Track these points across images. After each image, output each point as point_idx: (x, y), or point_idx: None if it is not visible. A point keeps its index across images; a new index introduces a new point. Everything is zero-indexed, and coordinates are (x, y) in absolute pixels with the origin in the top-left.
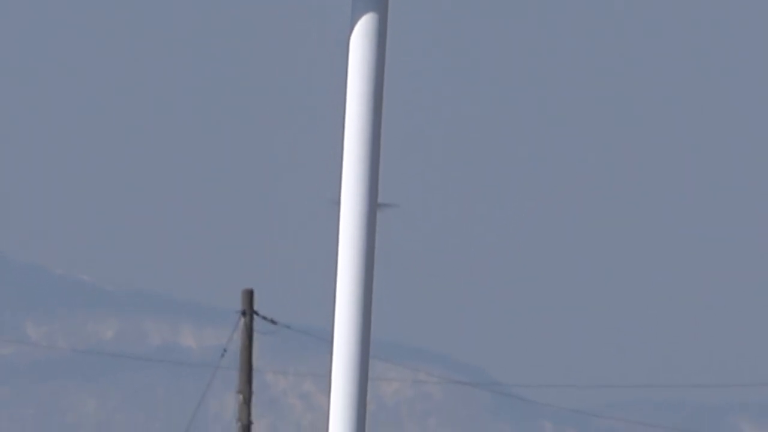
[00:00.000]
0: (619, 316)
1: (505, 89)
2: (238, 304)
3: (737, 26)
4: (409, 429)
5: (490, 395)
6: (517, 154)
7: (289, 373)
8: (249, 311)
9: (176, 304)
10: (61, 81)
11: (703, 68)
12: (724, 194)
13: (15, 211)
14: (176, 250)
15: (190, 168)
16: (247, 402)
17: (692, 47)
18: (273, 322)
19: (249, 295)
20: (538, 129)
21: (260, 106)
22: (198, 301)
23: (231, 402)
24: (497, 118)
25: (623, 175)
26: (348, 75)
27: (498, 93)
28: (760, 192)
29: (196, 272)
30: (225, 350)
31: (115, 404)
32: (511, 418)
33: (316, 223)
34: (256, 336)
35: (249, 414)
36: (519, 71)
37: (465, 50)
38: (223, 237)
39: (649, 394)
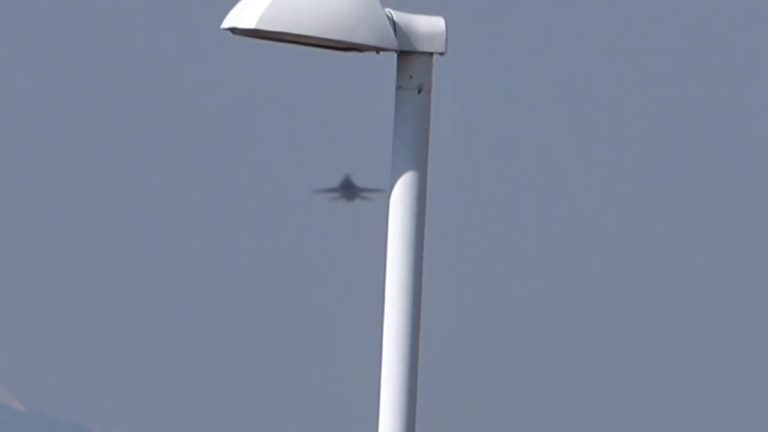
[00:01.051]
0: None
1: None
2: None
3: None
4: None
5: None
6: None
7: None
8: None
9: None
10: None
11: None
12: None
13: (53, 369)
14: (216, 405)
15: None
16: None
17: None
18: None
19: None
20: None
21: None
22: None
23: None
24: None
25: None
26: (388, 232)
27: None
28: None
29: (237, 426)
30: None
31: None
32: None
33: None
34: None
35: None
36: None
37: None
38: (261, 391)
39: None
